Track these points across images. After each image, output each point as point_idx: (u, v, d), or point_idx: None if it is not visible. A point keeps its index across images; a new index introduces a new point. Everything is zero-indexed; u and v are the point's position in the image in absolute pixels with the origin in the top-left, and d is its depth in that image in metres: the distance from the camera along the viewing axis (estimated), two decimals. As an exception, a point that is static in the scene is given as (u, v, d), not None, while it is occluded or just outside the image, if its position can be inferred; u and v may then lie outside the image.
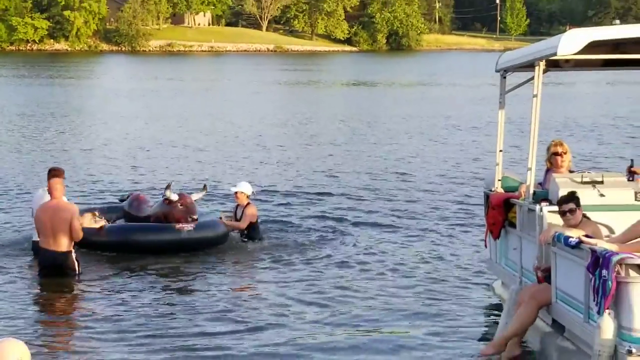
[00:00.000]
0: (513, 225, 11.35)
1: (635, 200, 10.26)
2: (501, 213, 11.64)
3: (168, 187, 15.85)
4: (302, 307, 12.54)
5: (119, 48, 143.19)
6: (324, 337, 11.25)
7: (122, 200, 17.77)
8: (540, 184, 11.41)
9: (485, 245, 12.74)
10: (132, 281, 14.01)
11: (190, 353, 10.69)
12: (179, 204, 15.63)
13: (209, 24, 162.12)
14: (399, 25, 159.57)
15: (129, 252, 15.30)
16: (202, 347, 10.89)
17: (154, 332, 11.43)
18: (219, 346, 10.92)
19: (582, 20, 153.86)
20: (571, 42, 9.60)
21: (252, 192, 16.88)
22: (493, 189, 12.10)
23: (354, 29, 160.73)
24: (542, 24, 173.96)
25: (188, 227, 15.54)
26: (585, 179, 10.37)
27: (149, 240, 15.55)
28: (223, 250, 15.93)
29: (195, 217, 15.70)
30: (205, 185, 17.30)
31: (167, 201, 15.74)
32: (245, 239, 16.44)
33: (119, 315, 12.17)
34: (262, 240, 16.51)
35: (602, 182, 10.35)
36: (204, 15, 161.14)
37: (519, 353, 9.87)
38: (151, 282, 14.01)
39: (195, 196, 16.23)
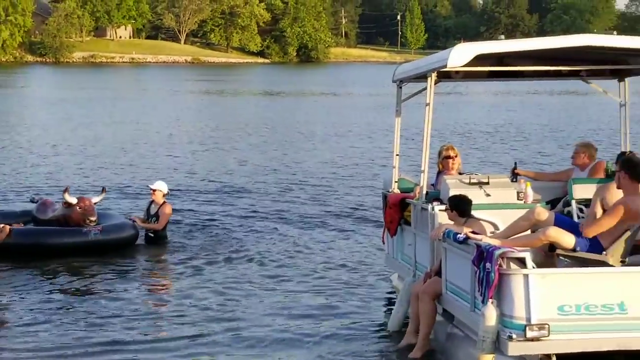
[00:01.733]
0: (408, 223, 11.48)
1: (518, 199, 10.46)
2: (397, 212, 11.77)
3: (66, 190, 15.49)
4: (208, 305, 12.28)
5: (44, 59, 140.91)
6: (227, 335, 11.04)
7: (32, 201, 17.30)
8: (432, 185, 11.58)
9: (383, 242, 12.87)
10: (37, 285, 13.34)
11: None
12: (77, 207, 15.30)
13: (130, 37, 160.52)
14: (308, 39, 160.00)
15: (36, 255, 14.70)
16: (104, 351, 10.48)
17: (58, 339, 10.84)
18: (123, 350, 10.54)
19: (474, 35, 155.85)
20: (460, 55, 9.75)
21: (167, 192, 16.66)
22: (390, 190, 12.23)
23: (266, 42, 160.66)
24: (439, 39, 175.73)
25: (95, 229, 15.15)
26: (473, 180, 10.53)
27: (54, 243, 15.03)
28: (131, 252, 15.46)
29: (93, 219, 15.28)
30: (103, 188, 16.82)
31: (66, 204, 15.39)
32: (152, 235, 16.04)
33: (19, 321, 11.55)
34: (168, 240, 16.18)
35: (488, 183, 10.52)
36: (125, 29, 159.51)
37: (416, 341, 9.98)
38: (55, 286, 13.33)
39: (95, 199, 15.89)
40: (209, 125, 41.60)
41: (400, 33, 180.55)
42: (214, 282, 13.55)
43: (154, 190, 16.30)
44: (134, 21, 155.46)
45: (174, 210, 16.88)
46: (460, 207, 9.73)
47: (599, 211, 9.38)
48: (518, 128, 39.90)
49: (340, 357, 10.14)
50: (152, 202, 16.39)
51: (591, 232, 8.49)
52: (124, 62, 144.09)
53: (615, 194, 9.09)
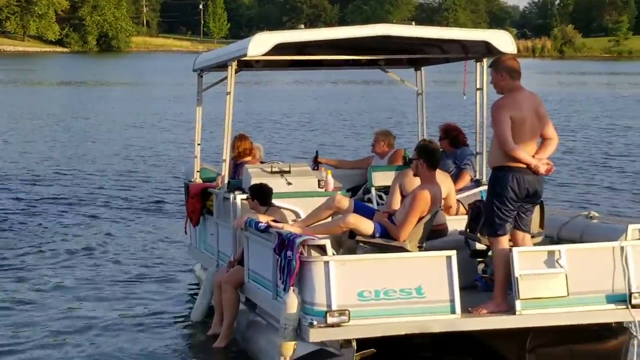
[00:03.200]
0: (210, 212, 11.45)
1: (319, 187, 10.59)
2: (199, 202, 11.72)
3: None
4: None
5: None
6: (23, 332, 10.66)
7: None
8: (235, 174, 11.55)
9: (186, 232, 12.79)
10: None
11: None
12: None
13: None
14: (109, 28, 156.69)
15: None
16: None
17: None
18: None
19: (277, 25, 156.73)
20: (259, 44, 9.78)
21: None
22: (192, 180, 12.17)
23: (65, 31, 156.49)
24: (242, 28, 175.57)
25: None
26: (274, 169, 10.59)
27: None
28: None
29: None
30: None
31: None
32: None
33: None
34: None
35: (289, 172, 10.61)
36: None
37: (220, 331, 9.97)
38: None
39: None
40: (2, 116, 40.16)
41: (202, 22, 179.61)
42: (4, 277, 13.11)
43: None
44: None
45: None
46: (261, 196, 9.77)
47: (397, 197, 9.61)
48: (320, 117, 40.44)
49: (144, 350, 9.98)
50: None
51: (404, 234, 8.65)
52: None
53: (413, 180, 9.33)
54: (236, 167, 11.46)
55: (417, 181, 9.17)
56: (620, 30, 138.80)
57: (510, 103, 8.25)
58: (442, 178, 9.44)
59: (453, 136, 11.32)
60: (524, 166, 8.18)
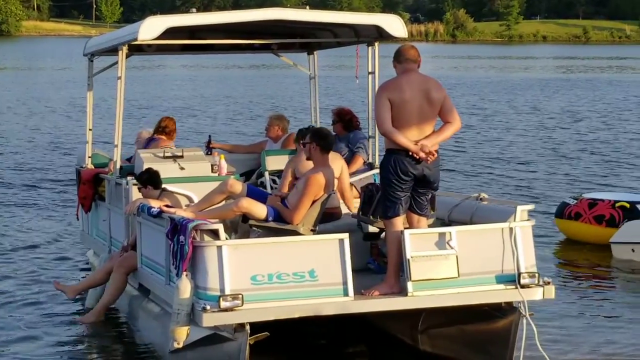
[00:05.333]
0: (103, 198, 11.31)
1: (212, 172, 10.54)
2: (91, 187, 11.59)
3: None
4: None
5: None
6: None
7: None
8: (128, 159, 11.43)
9: (78, 218, 12.61)
10: None
11: None
12: None
13: None
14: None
15: None
16: None
17: None
18: None
19: (170, 9, 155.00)
20: (150, 28, 9.67)
21: None
22: (84, 165, 12.01)
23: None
24: (135, 12, 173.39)
25: None
26: (167, 154, 10.50)
27: None
28: None
29: None
30: None
31: None
32: None
33: None
34: None
35: (182, 157, 10.53)
36: None
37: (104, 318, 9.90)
38: None
39: None
40: None
41: (95, 6, 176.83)
42: None
43: None
44: None
45: None
46: (152, 180, 9.69)
47: (289, 181, 9.63)
48: (213, 102, 40.18)
49: (35, 340, 9.80)
50: None
51: (297, 218, 8.66)
52: None
53: (306, 164, 9.35)
54: (149, 141, 11.40)
55: (309, 165, 9.19)
56: (511, 14, 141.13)
57: (391, 86, 8.31)
58: (333, 158, 9.47)
59: (346, 120, 11.38)
60: (405, 149, 8.22)
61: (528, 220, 8.51)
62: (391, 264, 8.35)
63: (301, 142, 9.76)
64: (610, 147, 26.53)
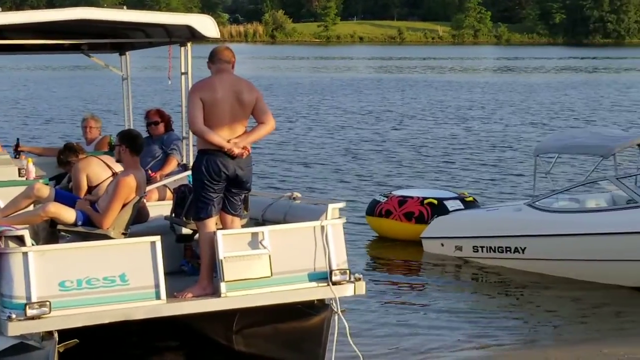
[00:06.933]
0: None
1: (19, 176, 10.22)
2: None
3: None
4: None
5: None
6: None
7: None
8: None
9: None
10: None
11: None
12: None
13: None
14: None
15: None
16: None
17: None
18: None
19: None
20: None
21: None
22: None
23: None
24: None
25: None
26: None
27: None
28: None
29: None
30: None
31: None
32: None
33: None
34: None
35: None
36: None
37: None
38: None
39: None
40: None
41: None
42: None
43: None
44: None
45: None
46: None
47: (84, 182, 9.50)
48: (25, 104, 38.92)
49: None
50: None
51: (107, 222, 8.50)
52: None
53: (97, 168, 9.49)
54: None
55: (101, 169, 9.10)
56: (328, 16, 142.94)
57: (203, 86, 8.28)
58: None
59: (167, 120, 11.27)
60: (218, 149, 8.21)
61: (339, 218, 8.62)
62: (204, 265, 8.30)
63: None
64: (423, 145, 27.18)
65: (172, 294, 8.06)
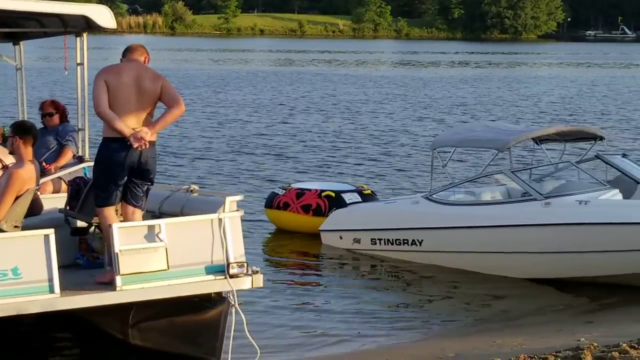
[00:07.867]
0: None
1: None
2: None
3: None
4: None
5: None
6: None
7: None
8: None
9: None
10: None
11: None
12: None
13: None
14: None
15: None
16: None
17: None
18: None
19: None
20: None
21: None
22: None
23: None
24: None
25: None
26: None
27: None
28: None
29: None
30: None
31: None
32: None
33: None
34: None
35: None
36: None
37: None
38: None
39: None
40: None
41: None
42: None
43: None
44: None
45: None
46: None
47: None
48: None
49: None
50: None
51: None
52: None
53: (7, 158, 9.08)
54: None
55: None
56: (229, 8, 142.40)
57: (108, 70, 8.31)
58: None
59: (62, 110, 11.10)
60: (121, 138, 8.14)
61: (237, 211, 8.61)
62: (109, 254, 8.24)
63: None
64: (324, 137, 27.27)
65: (67, 288, 7.95)
